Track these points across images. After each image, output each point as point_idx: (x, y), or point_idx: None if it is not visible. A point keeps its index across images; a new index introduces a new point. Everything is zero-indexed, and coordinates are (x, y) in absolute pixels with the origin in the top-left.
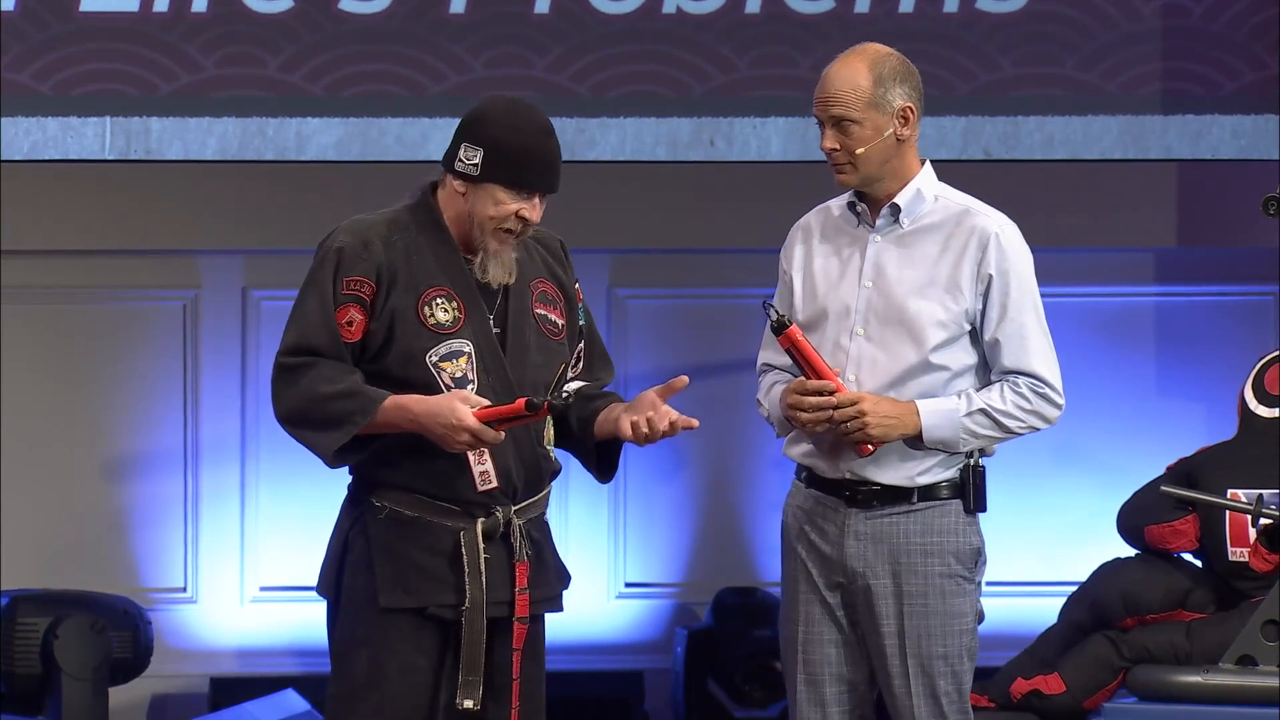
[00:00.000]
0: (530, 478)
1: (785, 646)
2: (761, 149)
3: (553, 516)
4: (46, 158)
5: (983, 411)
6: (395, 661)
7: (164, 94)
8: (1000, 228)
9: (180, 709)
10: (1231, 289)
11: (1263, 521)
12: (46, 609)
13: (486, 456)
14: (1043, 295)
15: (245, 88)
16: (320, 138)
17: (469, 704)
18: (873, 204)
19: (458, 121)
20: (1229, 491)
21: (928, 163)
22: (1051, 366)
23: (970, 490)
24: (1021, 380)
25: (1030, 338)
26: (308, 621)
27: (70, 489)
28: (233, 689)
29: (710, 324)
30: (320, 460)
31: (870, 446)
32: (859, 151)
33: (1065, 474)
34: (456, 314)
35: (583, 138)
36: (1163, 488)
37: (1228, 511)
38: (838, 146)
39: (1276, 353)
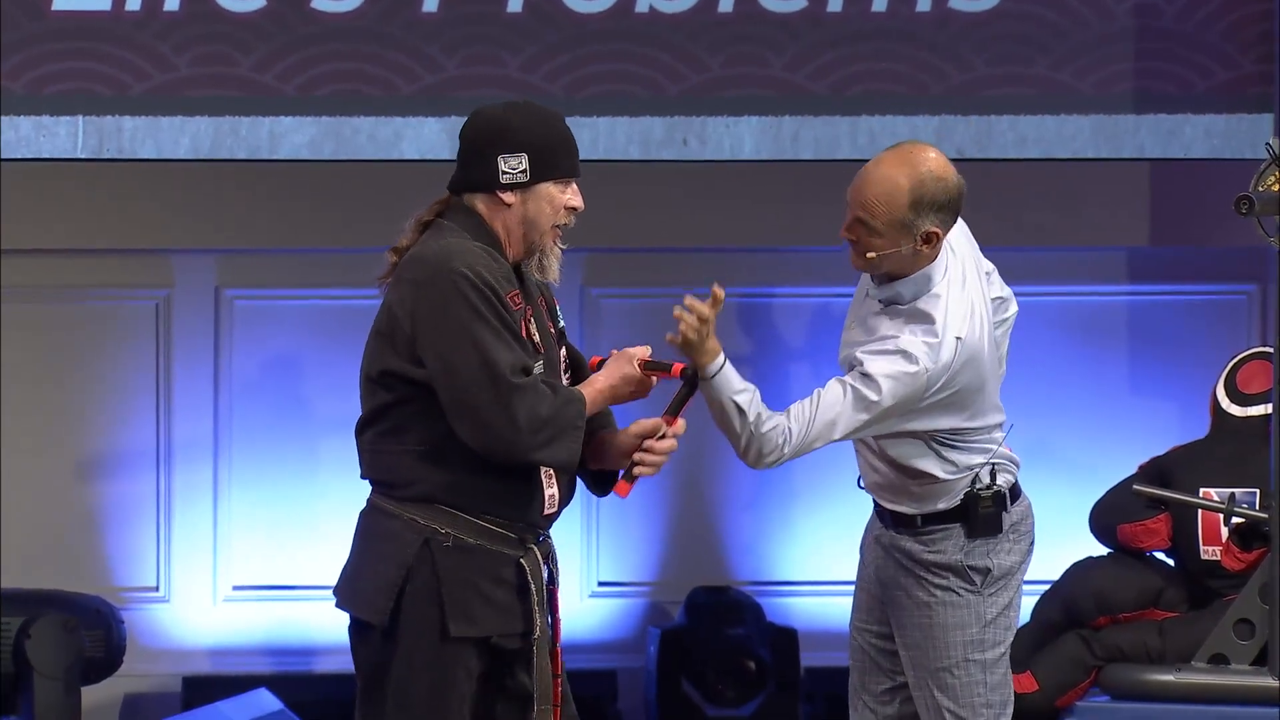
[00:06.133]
0: (564, 501)
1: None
2: (734, 148)
3: None
4: (18, 157)
5: (736, 405)
6: (455, 691)
7: (137, 93)
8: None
9: (153, 708)
10: (1204, 288)
11: (1235, 520)
12: (18, 608)
13: (554, 479)
14: (1015, 294)
15: (218, 87)
16: (293, 137)
17: None
18: None
19: (457, 134)
20: (1201, 490)
21: (930, 267)
22: (807, 434)
23: (974, 517)
24: (790, 412)
25: (825, 407)
26: (280, 621)
27: (42, 488)
28: (205, 688)
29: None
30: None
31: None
32: (869, 255)
33: (1037, 473)
34: (537, 331)
35: None
36: (1135, 487)
37: (1200, 510)
38: (855, 239)
39: (1249, 351)
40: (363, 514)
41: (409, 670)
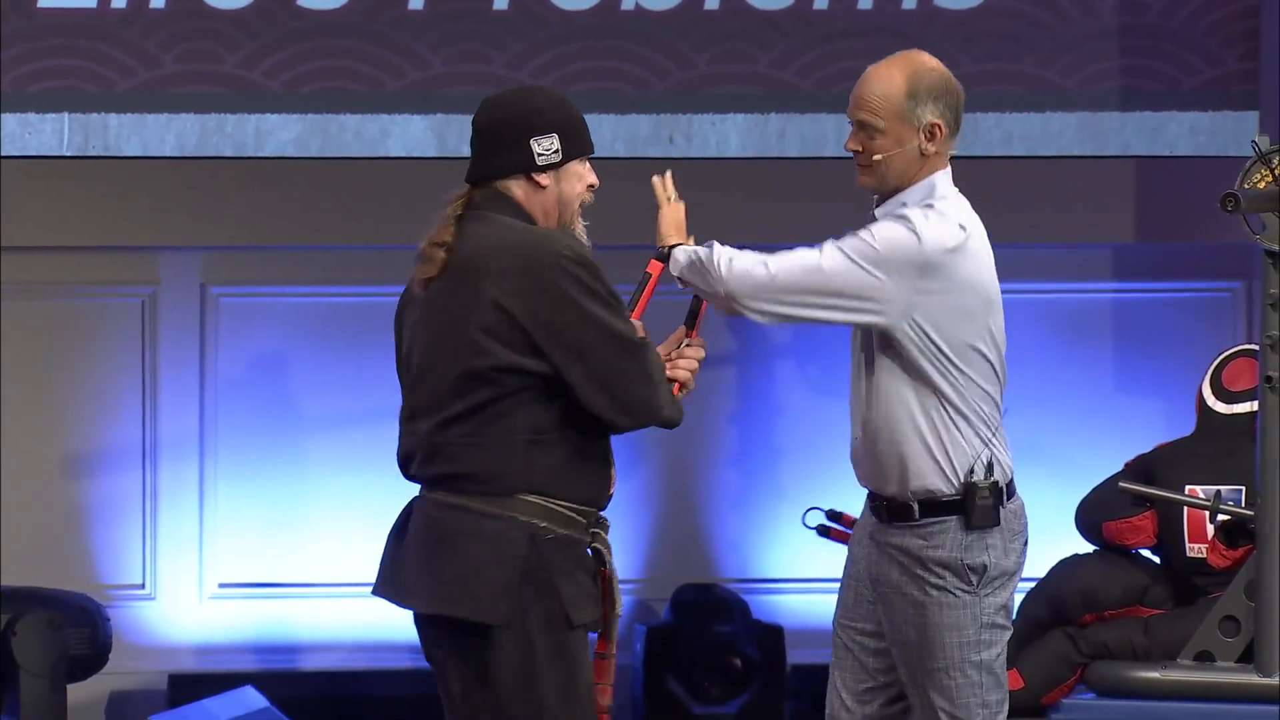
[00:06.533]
0: None
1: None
2: (720, 145)
3: None
4: (4, 154)
5: (696, 249)
6: (583, 680)
7: (122, 90)
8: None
9: (139, 706)
10: (1189, 285)
11: (1220, 518)
12: (4, 606)
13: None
14: (1001, 291)
15: (204, 84)
16: (279, 134)
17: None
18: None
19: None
20: (1187, 488)
21: (936, 175)
22: (789, 262)
23: (971, 508)
24: (755, 255)
25: (795, 255)
26: (266, 618)
27: (28, 485)
28: (191, 686)
29: (669, 320)
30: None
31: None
32: (876, 158)
33: (1023, 470)
34: None
35: None
36: (1121, 484)
37: (1186, 508)
38: (860, 149)
39: (1234, 348)
40: (442, 516)
41: (539, 666)
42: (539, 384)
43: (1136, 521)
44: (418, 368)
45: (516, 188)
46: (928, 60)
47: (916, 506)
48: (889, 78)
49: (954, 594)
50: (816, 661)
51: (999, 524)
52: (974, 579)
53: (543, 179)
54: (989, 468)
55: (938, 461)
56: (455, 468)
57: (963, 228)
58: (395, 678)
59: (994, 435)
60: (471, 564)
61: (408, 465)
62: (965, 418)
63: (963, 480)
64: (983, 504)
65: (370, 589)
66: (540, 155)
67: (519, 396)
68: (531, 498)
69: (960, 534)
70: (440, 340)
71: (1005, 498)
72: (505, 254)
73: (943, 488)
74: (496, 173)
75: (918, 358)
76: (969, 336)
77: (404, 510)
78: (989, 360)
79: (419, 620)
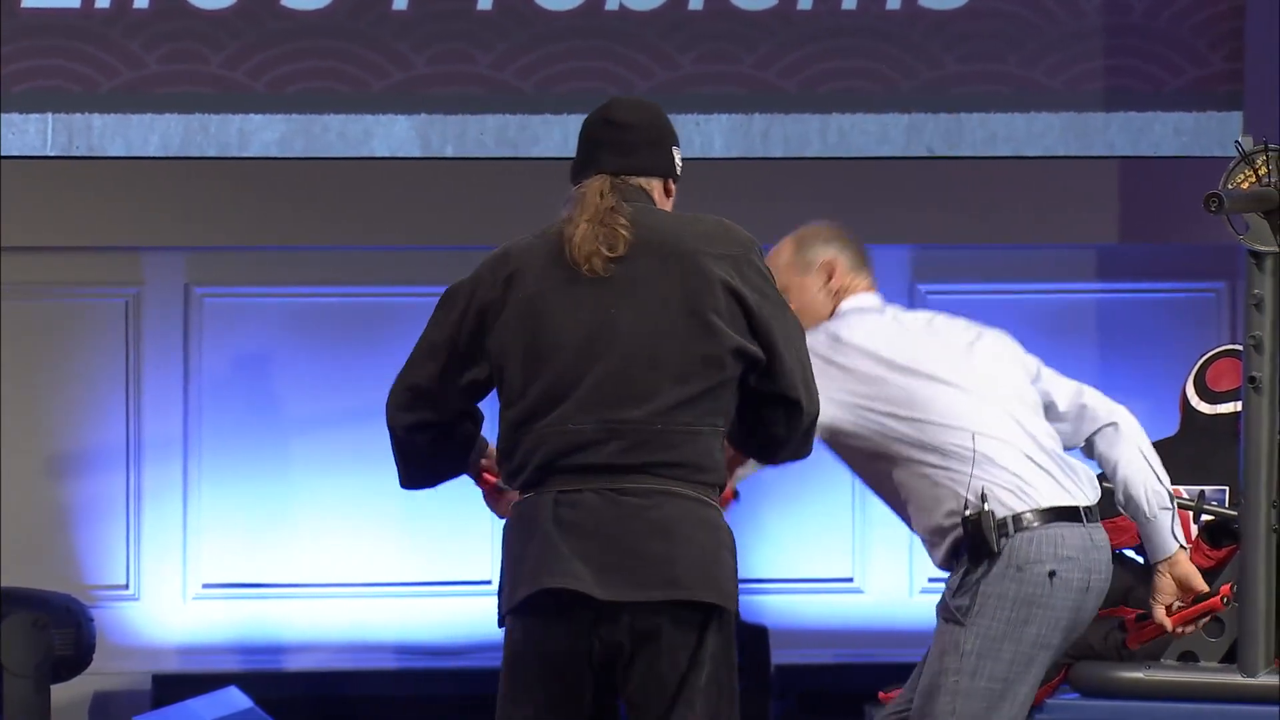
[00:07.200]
0: None
1: None
2: (704, 146)
3: (492, 523)
4: None
5: None
6: None
7: (106, 90)
8: None
9: (123, 706)
10: (1173, 286)
11: (1204, 518)
12: None
13: None
14: (985, 292)
15: (188, 84)
16: (263, 134)
17: None
18: None
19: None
20: (1171, 488)
21: (842, 303)
22: None
23: (967, 540)
24: None
25: None
26: (250, 619)
27: (11, 486)
28: (175, 686)
29: None
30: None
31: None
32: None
33: None
34: None
35: (526, 134)
36: (1105, 484)
37: None
38: None
39: (1218, 349)
40: (659, 504)
41: (736, 652)
42: (741, 371)
43: (1121, 521)
44: (634, 352)
45: (656, 188)
46: (816, 223)
47: (948, 553)
48: (778, 250)
49: (947, 621)
50: (801, 662)
51: (996, 554)
52: (961, 607)
53: (671, 187)
54: (983, 496)
55: (926, 504)
56: (674, 455)
57: (836, 337)
58: (379, 678)
59: (976, 467)
60: (705, 551)
61: (578, 453)
62: (934, 455)
63: (961, 518)
64: (972, 533)
65: (361, 587)
66: (678, 165)
67: (729, 384)
68: (719, 487)
69: (966, 568)
70: (663, 323)
71: (1013, 529)
72: (714, 239)
73: (948, 523)
74: (644, 169)
75: (874, 432)
76: (899, 385)
77: (548, 502)
78: (943, 384)
79: (599, 609)
